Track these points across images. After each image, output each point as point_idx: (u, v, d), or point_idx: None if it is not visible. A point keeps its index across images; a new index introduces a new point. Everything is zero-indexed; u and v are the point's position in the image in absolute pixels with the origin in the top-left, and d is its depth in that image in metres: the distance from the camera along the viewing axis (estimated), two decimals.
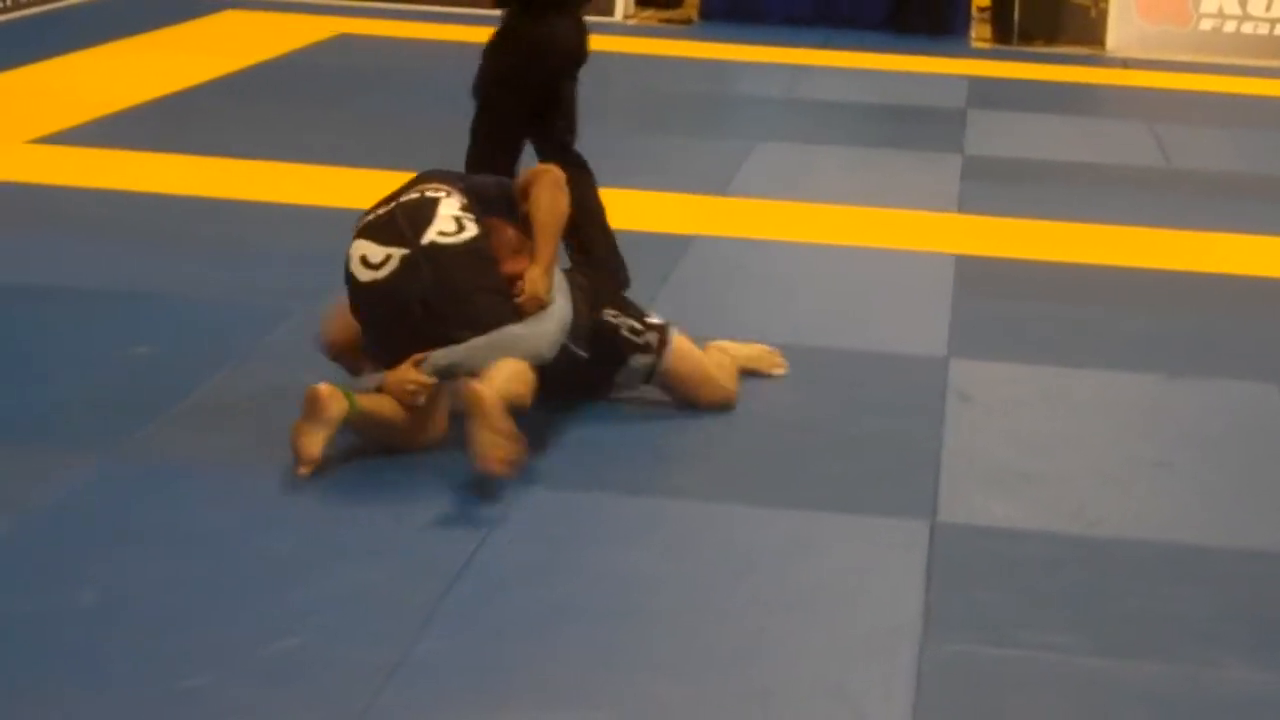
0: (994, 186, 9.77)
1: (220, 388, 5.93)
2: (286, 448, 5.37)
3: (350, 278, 5.49)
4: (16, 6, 13.86)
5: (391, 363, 5.44)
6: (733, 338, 6.65)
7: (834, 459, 5.74)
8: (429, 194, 5.55)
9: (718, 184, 9.47)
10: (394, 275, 5.40)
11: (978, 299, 7.59)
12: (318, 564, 4.78)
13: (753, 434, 5.91)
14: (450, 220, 5.46)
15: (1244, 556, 5.19)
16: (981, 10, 16.09)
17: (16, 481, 5.20)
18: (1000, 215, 9.12)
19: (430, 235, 5.42)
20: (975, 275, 7.95)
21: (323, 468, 5.34)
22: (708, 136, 10.81)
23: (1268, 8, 15.23)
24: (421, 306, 5.37)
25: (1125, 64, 14.66)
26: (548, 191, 5.64)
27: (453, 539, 4.96)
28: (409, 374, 5.35)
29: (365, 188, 8.86)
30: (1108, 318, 7.47)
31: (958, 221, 9.04)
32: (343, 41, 13.39)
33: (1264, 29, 15.24)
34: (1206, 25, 15.34)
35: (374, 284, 5.41)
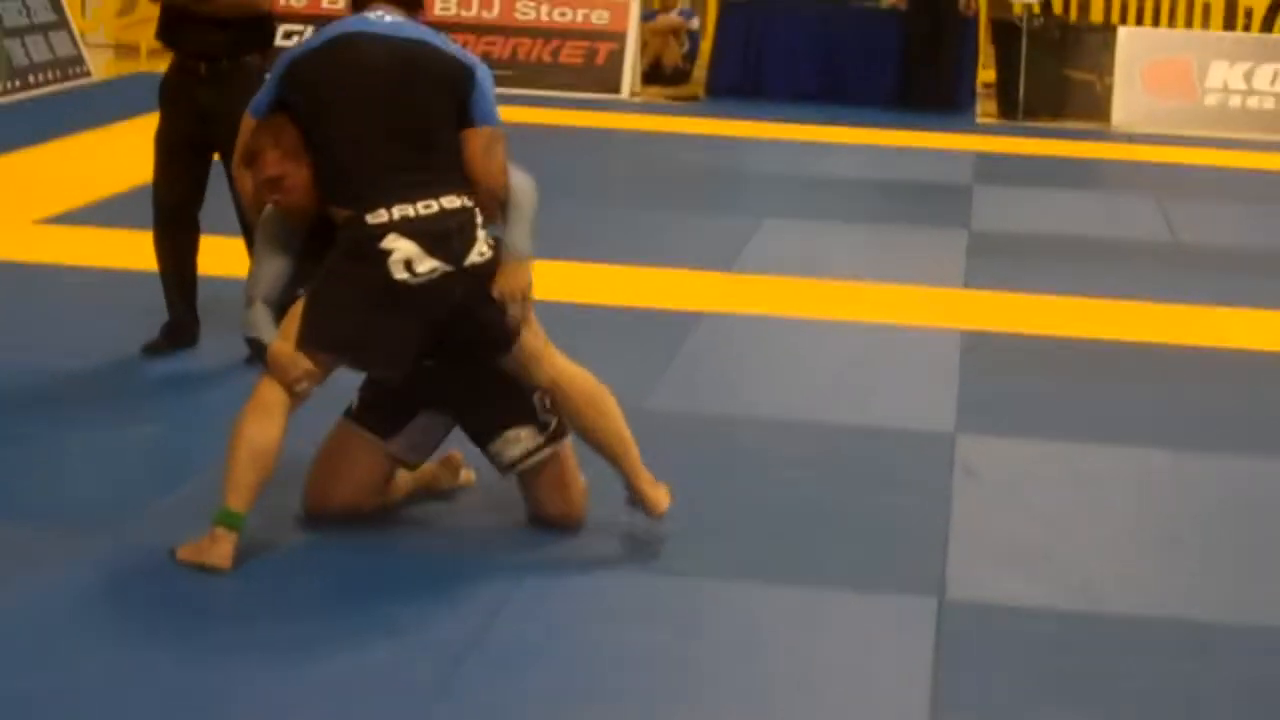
0: (1000, 262, 9.79)
1: None
2: (294, 527, 5.39)
3: (384, 276, 5.26)
4: (25, 87, 13.94)
5: (367, 359, 5.42)
6: (743, 414, 6.65)
7: (842, 535, 5.73)
8: (466, 202, 5.35)
9: (725, 260, 9.49)
10: (432, 284, 5.28)
11: (984, 374, 7.59)
12: (327, 644, 4.77)
13: (760, 509, 5.90)
14: (483, 242, 5.37)
15: (1253, 633, 5.16)
16: (987, 86, 16.18)
17: (21, 562, 5.19)
18: (1006, 290, 9.14)
19: (472, 257, 5.33)
20: (982, 350, 7.96)
21: (326, 551, 5.35)
22: (715, 213, 10.84)
23: (1273, 81, 15.29)
24: (448, 318, 5.34)
25: (1131, 138, 14.72)
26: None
27: (460, 619, 4.95)
28: (299, 361, 5.26)
29: None
30: (1114, 393, 7.47)
31: (964, 297, 9.05)
32: None
33: (1269, 103, 15.30)
34: (1212, 100, 15.40)
35: (406, 285, 5.26)
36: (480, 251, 5.36)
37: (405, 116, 5.38)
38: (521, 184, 5.51)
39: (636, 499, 5.58)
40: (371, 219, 5.28)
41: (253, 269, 5.56)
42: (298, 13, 15.72)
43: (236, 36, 7.20)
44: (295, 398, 5.31)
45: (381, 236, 5.26)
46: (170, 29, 7.30)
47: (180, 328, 7.33)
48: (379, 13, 5.51)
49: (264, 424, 5.26)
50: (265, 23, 7.37)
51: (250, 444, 5.23)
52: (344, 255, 5.35)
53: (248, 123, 5.54)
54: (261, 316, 5.45)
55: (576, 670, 4.72)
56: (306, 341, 5.30)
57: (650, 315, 8.31)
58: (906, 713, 4.53)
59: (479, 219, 5.40)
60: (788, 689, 4.67)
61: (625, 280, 8.89)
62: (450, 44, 5.55)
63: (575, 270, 8.93)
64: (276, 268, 5.50)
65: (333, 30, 5.50)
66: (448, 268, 5.29)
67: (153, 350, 7.24)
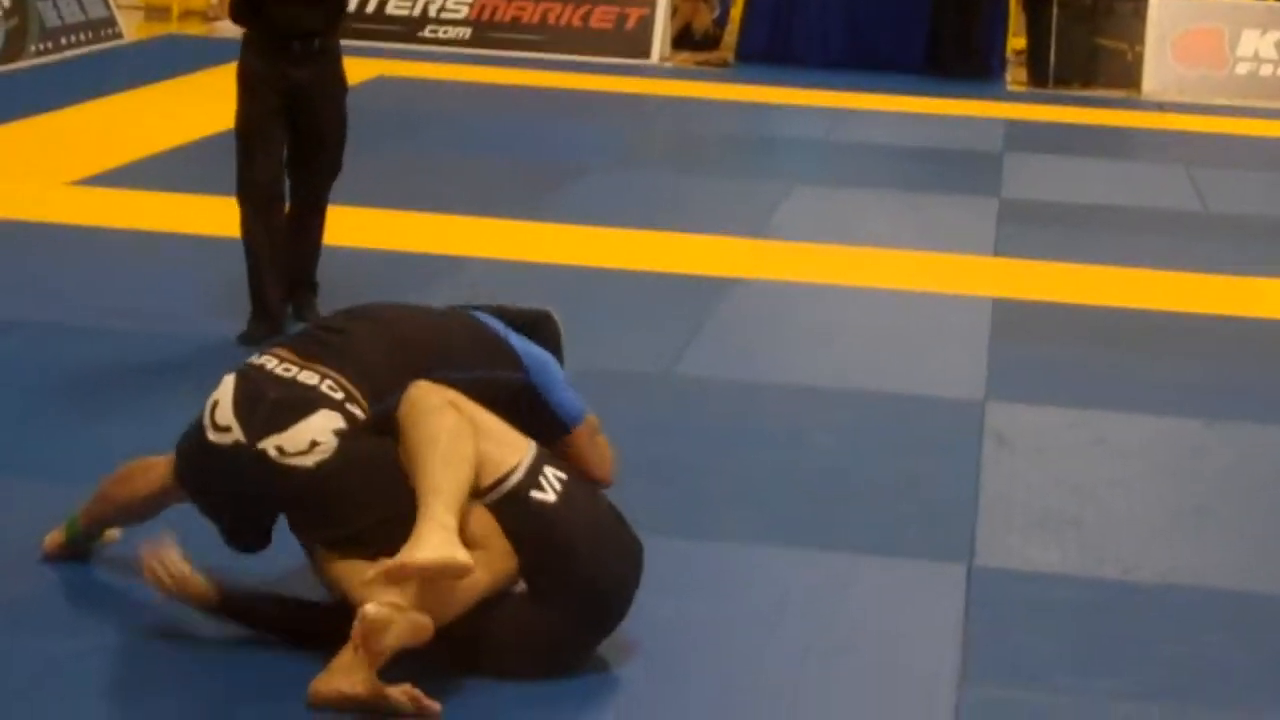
0: (1030, 230, 9.78)
1: None
2: None
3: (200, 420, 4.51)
4: (57, 48, 13.97)
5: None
6: (773, 380, 6.66)
7: (872, 502, 5.75)
8: (324, 389, 4.43)
9: (755, 227, 9.50)
10: (226, 451, 4.40)
11: (1014, 343, 7.60)
12: None
13: (791, 476, 5.92)
14: (306, 440, 4.34)
15: None
16: (1017, 54, 16.13)
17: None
18: (1037, 259, 9.13)
19: (269, 442, 4.35)
20: (1012, 319, 7.97)
21: None
22: (745, 179, 10.85)
23: None
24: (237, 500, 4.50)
25: (1161, 107, 14.68)
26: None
27: None
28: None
29: (403, 230, 8.93)
30: (1144, 362, 7.47)
31: (994, 265, 9.06)
32: (381, 84, 13.45)
33: None
34: (1242, 69, 15.34)
35: (209, 445, 4.43)
36: (281, 447, 4.43)
37: None
38: None
39: None
40: None
41: None
42: None
43: (328, 14, 7.04)
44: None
45: None
46: (253, 6, 6.98)
47: (273, 318, 6.98)
48: None
49: None
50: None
51: None
52: None
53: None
54: None
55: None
56: None
57: (679, 281, 8.32)
58: (936, 678, 4.56)
59: None
60: (816, 655, 4.69)
61: (655, 245, 8.90)
62: None
63: (605, 235, 8.94)
64: None
65: None
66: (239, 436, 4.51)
67: (248, 339, 6.81)
